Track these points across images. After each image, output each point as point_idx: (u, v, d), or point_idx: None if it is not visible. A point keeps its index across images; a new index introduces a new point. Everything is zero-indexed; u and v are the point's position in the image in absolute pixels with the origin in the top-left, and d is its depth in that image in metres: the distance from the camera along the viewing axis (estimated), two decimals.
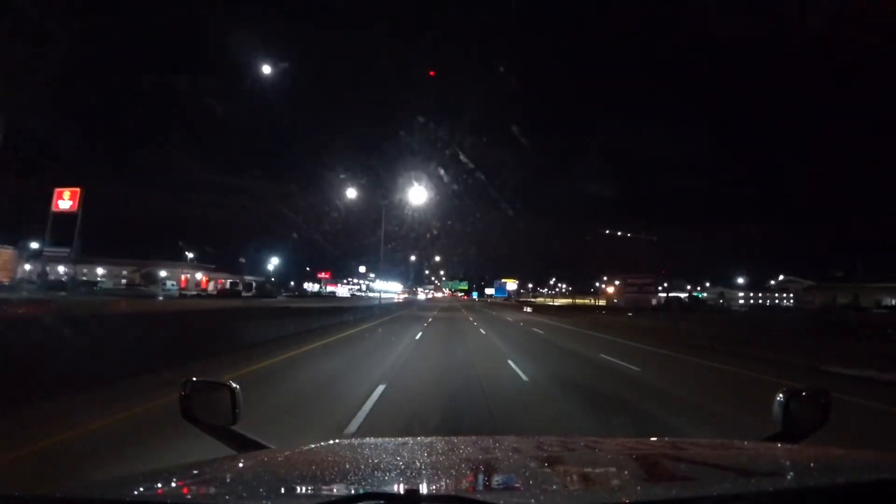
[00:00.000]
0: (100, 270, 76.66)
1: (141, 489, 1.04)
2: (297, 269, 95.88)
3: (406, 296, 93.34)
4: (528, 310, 47.78)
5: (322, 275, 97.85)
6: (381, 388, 6.73)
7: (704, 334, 18.17)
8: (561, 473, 1.22)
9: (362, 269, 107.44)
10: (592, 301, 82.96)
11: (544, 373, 9.00)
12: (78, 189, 39.66)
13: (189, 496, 1.03)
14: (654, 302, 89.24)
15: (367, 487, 1.05)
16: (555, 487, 1.10)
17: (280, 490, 1.08)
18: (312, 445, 1.53)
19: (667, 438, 1.86)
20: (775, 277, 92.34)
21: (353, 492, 0.99)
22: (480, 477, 1.24)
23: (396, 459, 1.42)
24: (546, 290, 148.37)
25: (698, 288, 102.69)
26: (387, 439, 1.80)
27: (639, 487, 1.09)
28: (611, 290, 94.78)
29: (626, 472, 1.28)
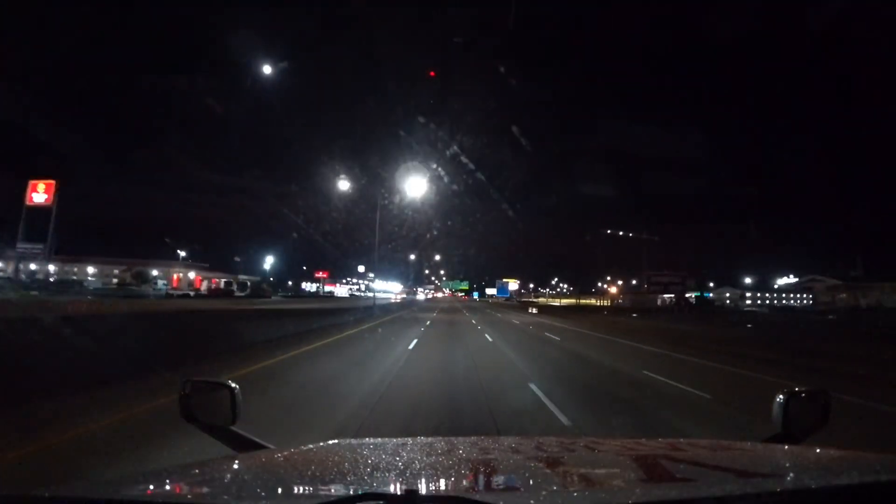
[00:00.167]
0: (90, 269, 75.00)
1: (141, 489, 1.05)
2: (296, 269, 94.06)
3: (404, 296, 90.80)
4: (534, 311, 45.01)
5: (320, 274, 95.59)
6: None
7: (747, 341, 15.57)
8: (560, 474, 1.20)
9: (361, 268, 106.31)
10: (598, 301, 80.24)
11: (587, 408, 6.25)
12: (53, 182, 37.04)
13: (189, 496, 1.02)
14: (658, 302, 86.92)
15: (367, 488, 1.05)
16: (554, 488, 1.09)
17: (279, 490, 1.07)
18: (312, 445, 1.52)
19: (666, 439, 1.78)
20: (779, 277, 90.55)
21: (352, 492, 0.98)
22: (480, 477, 1.22)
23: (396, 460, 1.40)
24: (547, 290, 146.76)
25: (703, 287, 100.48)
26: (386, 440, 1.82)
27: (638, 488, 1.08)
28: (613, 290, 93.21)
29: (625, 473, 1.25)
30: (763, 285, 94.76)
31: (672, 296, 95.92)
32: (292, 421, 4.86)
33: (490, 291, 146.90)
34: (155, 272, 72.39)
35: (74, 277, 66.85)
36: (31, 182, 36.26)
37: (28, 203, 35.70)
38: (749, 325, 25.59)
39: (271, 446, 1.50)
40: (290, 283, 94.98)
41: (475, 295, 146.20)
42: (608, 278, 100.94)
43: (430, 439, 1.84)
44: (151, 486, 1.07)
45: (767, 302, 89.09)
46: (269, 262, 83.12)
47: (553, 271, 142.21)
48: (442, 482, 1.19)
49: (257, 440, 1.50)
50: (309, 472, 1.22)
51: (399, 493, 0.94)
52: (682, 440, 1.87)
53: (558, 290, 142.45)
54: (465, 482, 1.19)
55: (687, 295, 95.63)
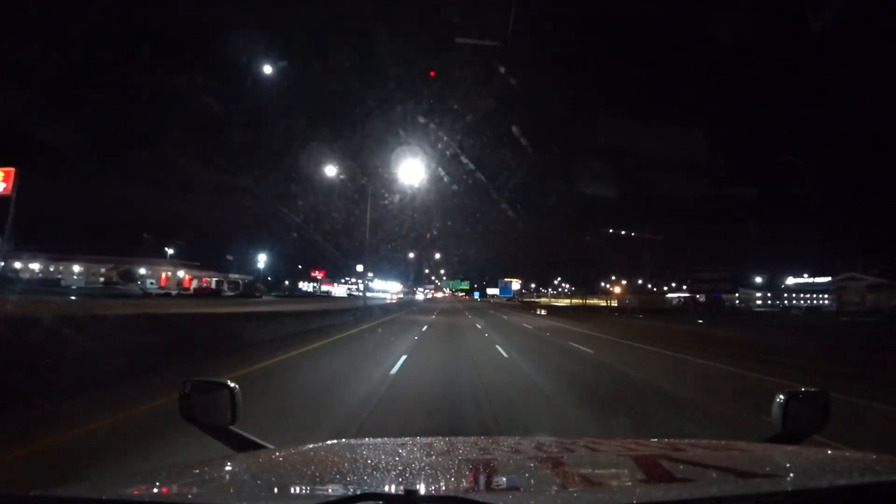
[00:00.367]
0: (76, 268, 71.92)
1: (140, 489, 1.04)
2: (293, 268, 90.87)
3: (401, 296, 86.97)
4: (542, 312, 40.87)
5: (316, 273, 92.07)
6: None
7: (814, 350, 11.90)
8: (560, 474, 1.18)
9: (360, 267, 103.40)
10: (606, 301, 76.39)
11: None
12: (12, 169, 33.11)
13: (188, 496, 1.01)
14: (674, 302, 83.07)
15: (366, 488, 1.05)
16: (554, 488, 1.08)
17: (279, 490, 1.06)
18: (311, 445, 1.51)
19: (666, 439, 1.75)
20: (785, 277, 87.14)
21: (351, 492, 0.96)
22: (479, 477, 1.20)
23: (395, 460, 1.40)
24: (549, 290, 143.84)
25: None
26: (386, 440, 1.80)
27: (638, 489, 1.08)
28: (617, 289, 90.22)
29: (625, 473, 1.24)
30: (772, 285, 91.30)
31: (682, 297, 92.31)
32: None
33: (491, 291, 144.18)
34: (143, 271, 69.52)
35: (60, 276, 64.45)
36: None
37: None
38: (788, 330, 21.68)
39: (271, 446, 1.48)
40: (286, 282, 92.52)
41: (476, 295, 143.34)
42: (613, 278, 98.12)
43: (429, 439, 1.75)
44: (150, 486, 1.06)
45: (780, 303, 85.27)
46: (264, 261, 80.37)
47: (553, 271, 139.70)
48: (441, 482, 1.18)
49: (257, 440, 1.48)
50: (308, 472, 1.22)
51: (398, 493, 0.94)
52: (681, 440, 1.75)
53: (560, 290, 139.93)
54: (464, 482, 1.18)
55: (684, 296, 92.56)
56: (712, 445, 1.62)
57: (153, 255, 69.44)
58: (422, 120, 21.30)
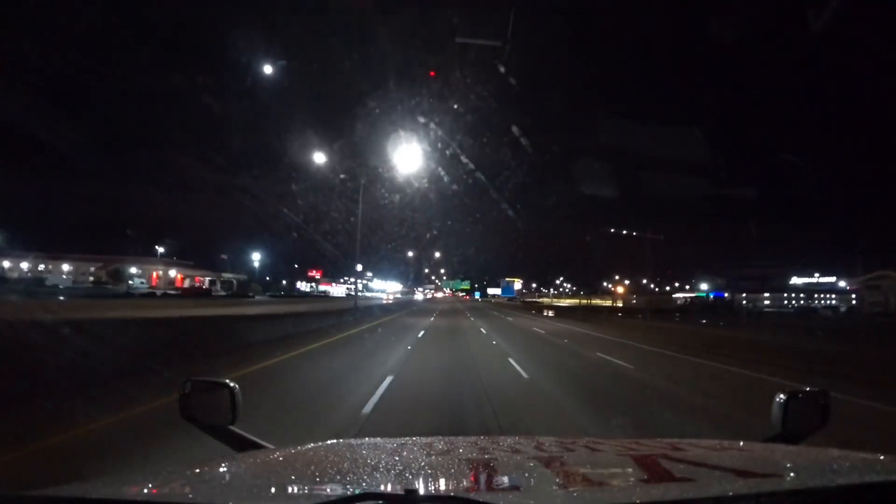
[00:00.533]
0: (66, 267, 69.55)
1: (139, 489, 1.03)
2: (291, 268, 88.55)
3: (399, 296, 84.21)
4: (550, 314, 37.77)
5: (313, 273, 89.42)
6: None
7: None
8: (560, 474, 1.17)
9: (359, 267, 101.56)
10: (612, 302, 73.69)
11: None
12: None
13: (188, 496, 1.00)
14: (679, 302, 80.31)
15: (366, 487, 1.04)
16: (554, 488, 1.07)
17: (278, 490, 1.05)
18: (311, 445, 1.50)
19: (666, 439, 1.70)
20: (788, 277, 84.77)
21: (352, 492, 0.95)
22: (479, 477, 1.18)
23: (395, 459, 1.38)
24: (551, 290, 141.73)
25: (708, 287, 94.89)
26: (386, 439, 1.78)
27: (638, 488, 1.07)
28: (620, 289, 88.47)
29: (625, 473, 1.22)
30: (775, 285, 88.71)
31: (688, 297, 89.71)
32: None
33: (492, 291, 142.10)
34: (133, 270, 67.07)
35: (45, 276, 62.34)
36: None
37: None
38: (838, 335, 18.84)
39: (270, 446, 1.47)
40: (284, 282, 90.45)
41: (477, 295, 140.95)
42: (616, 277, 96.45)
43: (429, 439, 1.72)
44: (150, 486, 1.05)
45: (792, 303, 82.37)
46: (260, 260, 78.01)
47: (554, 271, 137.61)
48: (441, 482, 1.18)
49: (257, 440, 1.46)
50: (308, 472, 1.21)
51: (398, 493, 0.93)
52: (681, 440, 1.69)
53: (561, 290, 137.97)
54: (464, 482, 1.16)
55: (690, 296, 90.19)
56: (712, 445, 1.60)
57: (144, 253, 67.11)
58: (422, 119, 20.28)
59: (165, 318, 10.96)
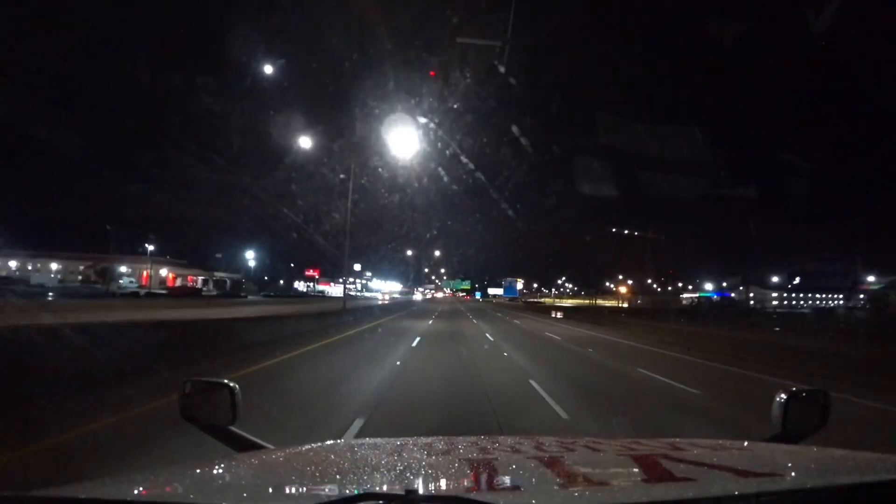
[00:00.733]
0: (54, 266, 67.19)
1: (140, 489, 1.02)
2: (288, 267, 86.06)
3: (396, 296, 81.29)
4: (558, 315, 34.71)
5: (310, 272, 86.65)
6: None
7: None
8: (561, 474, 1.15)
9: (358, 266, 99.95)
10: (618, 302, 70.87)
11: None
12: None
13: (188, 496, 0.99)
14: (684, 303, 77.42)
15: (366, 487, 1.02)
16: (555, 488, 1.04)
17: (279, 490, 1.04)
18: (311, 446, 1.48)
19: (666, 439, 1.68)
20: (792, 277, 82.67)
21: (352, 492, 0.94)
22: (480, 477, 1.16)
23: (395, 460, 1.36)
24: (552, 290, 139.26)
25: (719, 286, 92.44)
26: (386, 440, 1.77)
27: (638, 488, 1.06)
28: (623, 289, 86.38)
29: (625, 473, 1.21)
30: (782, 284, 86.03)
31: (694, 297, 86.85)
32: None
33: (493, 291, 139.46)
34: (123, 269, 64.48)
35: (29, 275, 60.27)
36: None
37: None
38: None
39: (270, 446, 1.45)
40: (281, 281, 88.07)
41: (477, 295, 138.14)
42: (620, 277, 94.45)
43: (429, 439, 1.70)
44: (150, 487, 1.04)
45: (806, 303, 79.53)
46: (256, 259, 75.45)
47: (554, 271, 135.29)
48: (441, 482, 1.17)
49: (257, 440, 1.44)
50: (308, 472, 1.20)
51: (398, 493, 0.91)
52: (681, 440, 1.66)
53: (562, 290, 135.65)
54: (465, 482, 1.14)
55: (693, 296, 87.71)
56: (712, 445, 1.59)
57: (135, 251, 64.48)
58: (422, 119, 19.42)
59: (110, 324, 8.35)
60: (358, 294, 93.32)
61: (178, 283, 66.16)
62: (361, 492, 0.92)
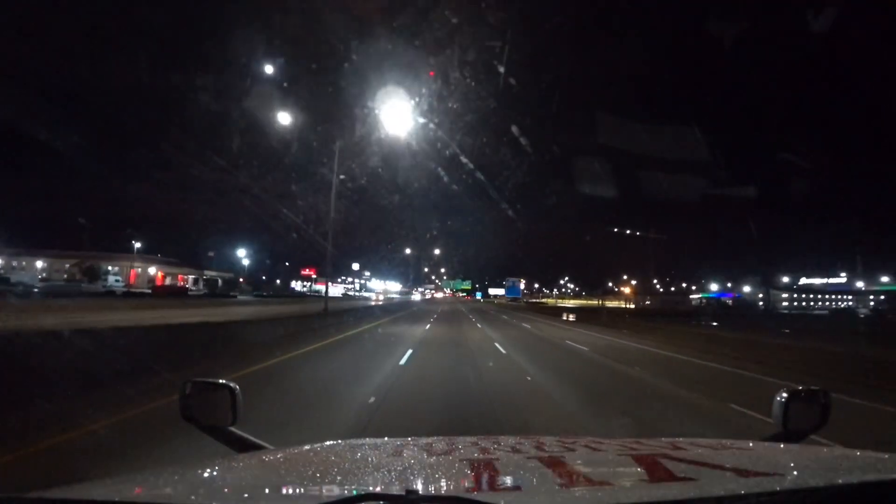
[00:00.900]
0: (39, 264, 64.36)
1: (139, 490, 1.00)
2: (285, 266, 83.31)
3: (394, 296, 78.02)
4: (570, 318, 31.40)
5: (306, 272, 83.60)
6: None
7: None
8: (561, 474, 1.13)
9: (356, 266, 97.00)
10: (624, 303, 67.70)
11: None
12: None
13: (188, 497, 0.97)
14: (694, 303, 74.14)
15: (366, 488, 1.02)
16: (555, 488, 1.02)
17: (279, 490, 1.03)
18: (311, 446, 1.47)
19: (666, 438, 1.63)
20: (796, 278, 79.84)
21: (352, 492, 0.93)
22: (480, 477, 1.14)
23: (395, 460, 1.35)
24: (554, 290, 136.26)
25: (720, 287, 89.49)
26: (386, 440, 1.73)
27: (639, 488, 1.04)
28: (626, 289, 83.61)
29: (626, 473, 1.19)
30: (789, 285, 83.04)
31: (702, 298, 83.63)
32: None
33: (494, 291, 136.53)
34: (111, 267, 61.54)
35: (21, 273, 57.93)
36: None
37: None
38: None
39: (270, 447, 1.44)
40: (277, 281, 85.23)
41: (478, 295, 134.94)
42: (625, 277, 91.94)
43: (429, 439, 1.65)
44: (150, 487, 1.03)
45: (823, 304, 76.29)
46: (252, 258, 72.52)
47: (555, 271, 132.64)
48: (442, 482, 1.15)
49: (257, 441, 1.43)
50: (308, 473, 1.19)
51: (398, 493, 0.90)
52: (682, 439, 1.62)
53: (564, 290, 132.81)
54: (465, 482, 1.12)
55: (697, 297, 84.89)
56: (713, 444, 1.54)
57: (123, 249, 61.52)
58: (421, 119, 19.18)
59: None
60: (356, 294, 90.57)
61: (168, 281, 63.24)
62: (362, 492, 0.91)
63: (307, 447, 1.44)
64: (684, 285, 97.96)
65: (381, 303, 47.82)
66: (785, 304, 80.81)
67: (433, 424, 4.82)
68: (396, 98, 16.42)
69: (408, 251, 74.72)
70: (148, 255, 63.82)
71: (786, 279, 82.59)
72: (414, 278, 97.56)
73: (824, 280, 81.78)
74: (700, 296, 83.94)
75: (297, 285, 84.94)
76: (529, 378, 7.99)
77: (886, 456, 1.16)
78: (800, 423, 1.45)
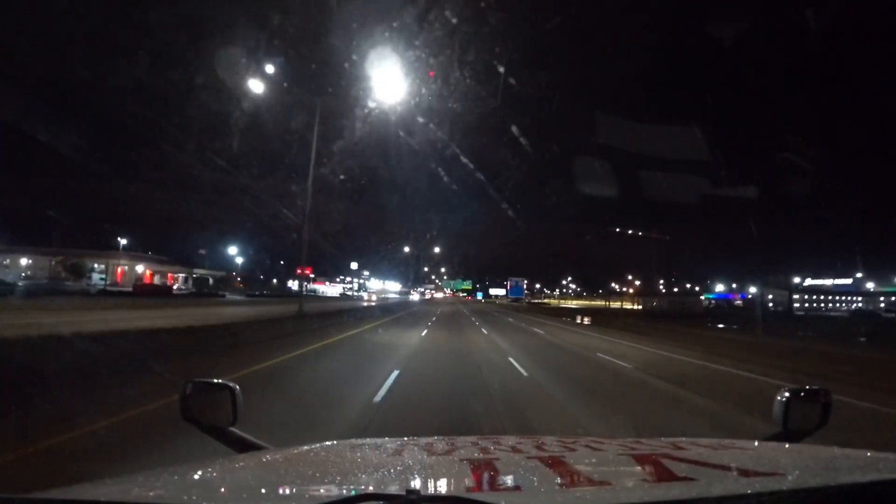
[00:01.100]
0: (23, 261, 61.77)
1: (140, 490, 1.00)
2: (282, 265, 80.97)
3: (391, 296, 75.07)
4: (585, 321, 28.08)
5: (301, 271, 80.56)
6: None
7: None
8: (562, 474, 1.11)
9: (354, 265, 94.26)
10: (632, 304, 64.92)
11: None
12: None
13: (189, 497, 0.96)
14: (705, 304, 71.23)
15: (367, 488, 1.01)
16: (556, 488, 1.01)
17: (279, 491, 1.02)
18: (311, 446, 1.45)
19: (667, 438, 1.60)
20: (801, 278, 77.41)
21: (352, 492, 0.92)
22: (480, 477, 1.13)
23: (396, 460, 1.33)
24: (556, 290, 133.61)
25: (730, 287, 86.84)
26: (386, 439, 1.69)
27: (639, 488, 1.03)
28: (630, 290, 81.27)
29: (627, 472, 1.18)
30: (797, 286, 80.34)
31: (704, 298, 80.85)
32: None
33: (495, 291, 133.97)
34: (97, 264, 58.84)
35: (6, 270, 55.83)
36: None
37: None
38: None
39: (271, 447, 1.42)
40: (274, 280, 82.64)
41: (479, 295, 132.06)
42: (629, 278, 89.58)
43: (430, 439, 1.62)
44: (150, 488, 1.01)
45: (840, 305, 73.42)
46: (246, 256, 69.79)
47: (555, 271, 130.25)
48: (442, 482, 1.13)
49: (257, 441, 1.41)
50: (309, 473, 1.18)
51: (399, 493, 0.88)
52: (682, 439, 1.58)
53: (566, 290, 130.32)
54: (466, 482, 1.10)
55: (702, 297, 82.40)
56: (713, 444, 1.51)
57: (112, 247, 58.82)
58: (421, 120, 19.29)
59: None
60: (354, 294, 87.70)
61: (158, 280, 60.43)
62: (361, 492, 0.90)
63: (307, 448, 1.42)
64: (688, 286, 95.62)
65: (373, 303, 44.12)
66: (796, 305, 78.01)
67: None
68: (397, 101, 15.76)
69: (406, 250, 72.15)
70: (137, 252, 61.07)
71: (796, 279, 79.71)
72: (414, 278, 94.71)
73: (830, 281, 79.33)
74: (704, 296, 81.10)
75: (293, 284, 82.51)
76: (581, 428, 4.89)
77: (887, 456, 1.15)
78: (801, 423, 1.41)
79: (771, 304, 72.87)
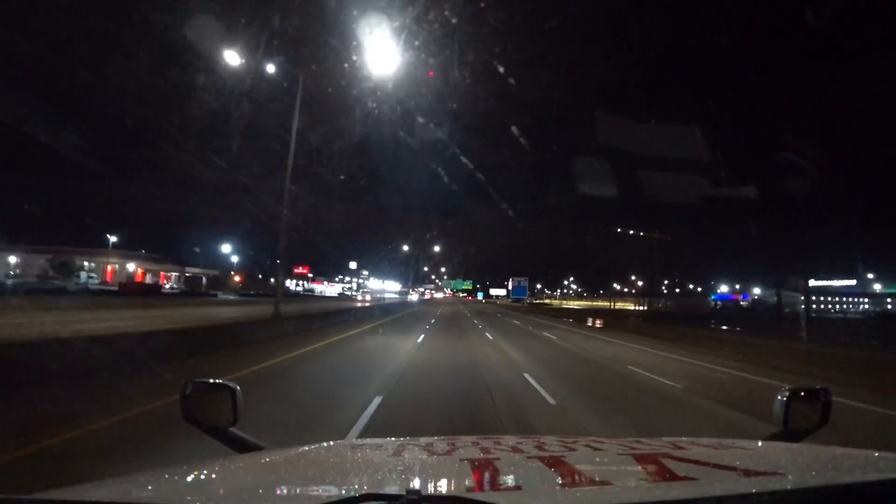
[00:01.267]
0: (12, 259, 59.80)
1: (140, 490, 1.00)
2: (277, 263, 78.52)
3: (388, 296, 72.88)
4: (597, 324, 25.99)
5: (299, 269, 78.51)
6: None
7: None
8: (562, 473, 1.10)
9: (353, 264, 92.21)
10: (636, 304, 63.00)
11: None
12: None
13: (189, 497, 0.97)
14: (712, 305, 69.20)
15: (367, 488, 1.00)
16: (556, 488, 1.01)
17: (279, 491, 1.01)
18: (312, 446, 1.45)
19: (667, 438, 1.58)
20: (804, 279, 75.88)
21: (353, 492, 0.91)
22: (481, 477, 1.11)
23: (396, 460, 1.32)
24: (557, 291, 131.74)
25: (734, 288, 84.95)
26: (387, 440, 1.69)
27: (640, 487, 1.02)
28: (633, 291, 79.37)
29: (627, 472, 1.17)
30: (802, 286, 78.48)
31: (711, 298, 78.92)
32: None
33: (495, 291, 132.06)
34: (87, 262, 56.86)
35: None
36: None
37: None
38: None
39: (271, 448, 1.41)
40: (272, 279, 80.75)
41: (479, 296, 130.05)
42: (633, 278, 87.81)
43: (430, 439, 1.61)
44: (150, 488, 1.01)
45: (842, 307, 71.41)
46: (246, 255, 67.85)
47: (556, 271, 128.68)
48: (443, 482, 1.13)
49: (258, 441, 1.40)
50: (309, 473, 1.17)
51: (399, 493, 0.87)
52: (683, 439, 1.57)
53: (567, 291, 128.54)
54: (466, 482, 1.09)
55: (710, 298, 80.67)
56: (714, 444, 1.51)
57: (105, 245, 56.88)
58: (421, 120, 19.16)
59: None
60: (352, 294, 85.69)
61: (150, 278, 58.33)
62: (362, 493, 0.89)
63: (307, 448, 1.41)
64: (690, 286, 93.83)
65: (367, 304, 40.91)
66: (802, 306, 76.14)
67: None
68: (397, 101, 15.55)
69: (405, 248, 70.24)
70: (130, 250, 59.03)
71: (812, 280, 77.87)
72: (414, 278, 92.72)
73: (835, 282, 77.55)
74: (710, 297, 79.22)
75: (291, 284, 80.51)
76: None
77: (887, 455, 1.14)
78: (801, 423, 1.41)
79: (778, 304, 70.99)
